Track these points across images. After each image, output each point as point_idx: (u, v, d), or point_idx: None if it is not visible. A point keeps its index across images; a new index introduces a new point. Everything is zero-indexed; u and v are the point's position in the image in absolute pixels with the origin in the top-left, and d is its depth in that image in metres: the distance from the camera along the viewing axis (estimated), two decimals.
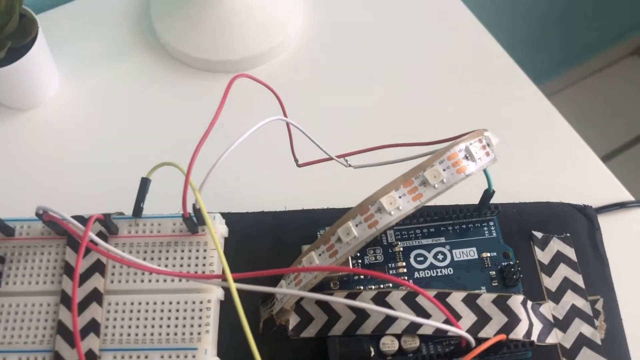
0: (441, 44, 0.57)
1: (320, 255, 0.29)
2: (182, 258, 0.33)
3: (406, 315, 0.29)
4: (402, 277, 0.34)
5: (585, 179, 0.50)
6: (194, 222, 0.32)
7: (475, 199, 0.36)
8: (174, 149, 0.46)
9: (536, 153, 0.51)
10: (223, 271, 0.27)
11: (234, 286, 0.26)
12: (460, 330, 0.29)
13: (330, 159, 0.35)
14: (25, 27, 0.48)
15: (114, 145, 0.50)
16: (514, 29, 1.22)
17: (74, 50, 0.56)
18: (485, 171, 0.32)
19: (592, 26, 1.39)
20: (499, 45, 0.58)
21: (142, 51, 0.55)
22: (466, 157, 0.29)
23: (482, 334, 0.31)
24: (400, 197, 0.28)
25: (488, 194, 0.34)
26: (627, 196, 0.50)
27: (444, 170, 0.28)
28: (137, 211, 0.33)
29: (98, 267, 0.32)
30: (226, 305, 0.33)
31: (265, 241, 0.36)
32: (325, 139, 0.35)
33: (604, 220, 0.47)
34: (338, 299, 0.29)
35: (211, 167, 0.30)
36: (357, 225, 0.28)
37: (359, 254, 0.35)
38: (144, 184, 0.32)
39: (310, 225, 0.35)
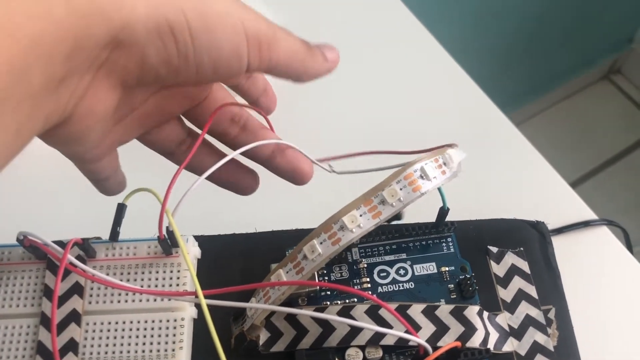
0: (411, 72, 0.60)
1: (287, 272, 0.32)
2: (157, 279, 0.35)
3: (368, 326, 0.32)
4: (366, 292, 0.37)
5: (551, 200, 0.54)
6: (168, 244, 0.35)
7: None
8: (148, 174, 0.48)
9: (502, 175, 0.55)
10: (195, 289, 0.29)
11: (204, 302, 0.29)
12: (418, 339, 0.32)
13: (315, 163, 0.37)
14: None
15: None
16: (483, 58, 1.26)
17: None
18: (440, 190, 0.35)
19: (561, 53, 1.43)
20: (466, 73, 0.62)
21: None
22: (421, 177, 0.31)
23: (440, 343, 0.34)
24: (361, 215, 0.31)
25: (443, 211, 0.37)
26: (591, 215, 0.54)
27: (400, 189, 0.31)
28: (114, 235, 0.35)
29: (76, 289, 0.35)
30: (199, 324, 0.36)
31: (237, 262, 0.38)
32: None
33: (569, 238, 0.51)
34: (305, 312, 0.32)
35: (185, 192, 0.32)
36: (321, 243, 0.31)
37: (325, 271, 0.38)
38: (120, 209, 0.35)
39: (279, 246, 0.38)
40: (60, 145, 0.28)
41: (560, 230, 0.52)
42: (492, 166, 0.55)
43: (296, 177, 0.35)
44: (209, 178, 0.33)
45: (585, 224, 0.53)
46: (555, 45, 1.37)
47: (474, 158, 0.53)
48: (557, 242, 0.48)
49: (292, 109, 0.56)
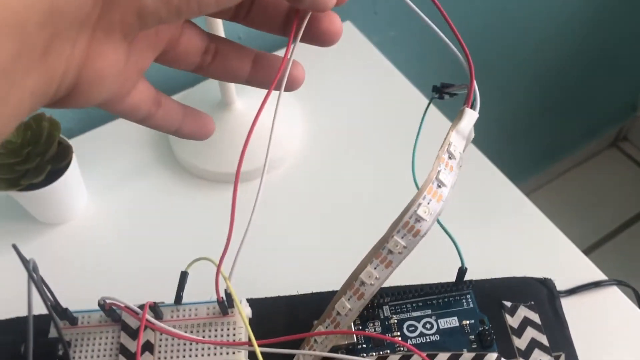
0: (420, 148, 0.67)
1: (326, 327, 0.38)
2: (216, 335, 0.42)
3: None
4: (397, 346, 0.43)
5: (562, 263, 0.57)
6: (225, 305, 0.41)
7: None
8: (196, 250, 0.55)
9: (515, 243, 0.59)
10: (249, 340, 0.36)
11: (258, 350, 0.35)
12: None
13: None
14: (62, 152, 0.58)
15: (139, 252, 0.59)
16: (491, 131, 1.31)
17: (101, 169, 0.65)
18: (459, 254, 0.42)
19: (568, 123, 1.49)
20: (476, 147, 0.68)
21: (162, 168, 0.65)
22: (417, 221, 0.34)
23: None
24: (375, 268, 0.35)
25: (462, 271, 0.43)
26: (602, 276, 0.57)
27: (402, 238, 0.34)
28: (178, 299, 0.42)
29: (148, 347, 0.41)
30: None
31: (282, 320, 0.45)
32: (324, 235, 0.44)
33: (581, 298, 0.55)
34: (348, 357, 0.38)
35: (235, 257, 0.39)
36: (349, 299, 0.36)
37: (361, 327, 0.44)
38: (183, 276, 0.42)
39: (319, 305, 0.44)
40: (81, 106, 0.26)
41: (572, 291, 0.55)
42: (505, 234, 0.60)
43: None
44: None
45: (596, 285, 0.56)
46: (562, 115, 1.44)
47: (487, 227, 0.59)
48: (570, 302, 0.53)
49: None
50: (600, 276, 0.58)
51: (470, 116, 0.35)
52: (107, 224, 0.62)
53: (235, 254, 0.39)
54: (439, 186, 0.33)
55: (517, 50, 1.16)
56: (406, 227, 0.33)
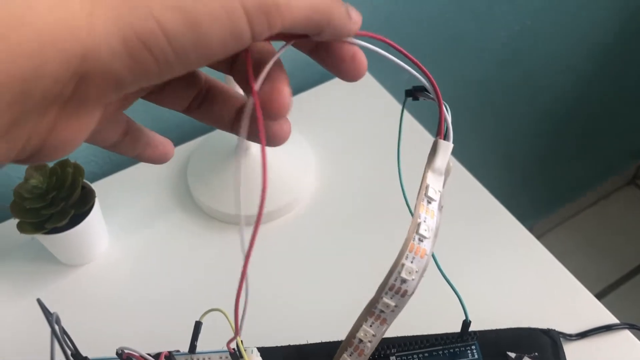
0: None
1: None
2: None
3: None
4: None
5: (573, 307, 0.59)
6: (237, 355, 0.43)
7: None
8: (212, 292, 0.57)
9: (525, 285, 0.60)
10: None
11: None
12: None
13: None
14: (85, 196, 0.60)
15: (157, 292, 0.61)
16: (504, 171, 1.33)
17: (122, 211, 0.68)
18: (463, 307, 0.43)
19: (585, 161, 1.50)
20: (485, 188, 0.69)
21: (180, 210, 0.68)
22: (403, 281, 0.34)
23: None
24: (370, 326, 0.36)
25: (466, 323, 0.45)
26: (614, 320, 0.58)
27: (391, 299, 0.34)
28: (192, 348, 0.44)
29: None
30: None
31: None
32: (333, 283, 0.46)
33: (593, 342, 0.56)
34: None
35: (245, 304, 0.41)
36: (350, 355, 0.38)
37: None
38: (197, 326, 0.44)
39: (328, 353, 0.46)
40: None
41: (584, 335, 0.56)
42: (514, 278, 0.61)
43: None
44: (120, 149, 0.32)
45: (608, 328, 0.57)
46: (578, 153, 1.45)
47: (496, 270, 0.61)
48: (582, 346, 0.55)
49: None
50: (612, 320, 0.58)
51: (445, 149, 0.34)
52: (127, 265, 0.64)
53: (246, 305, 0.41)
54: (421, 240, 0.33)
55: (532, 87, 1.19)
56: (393, 289, 0.34)
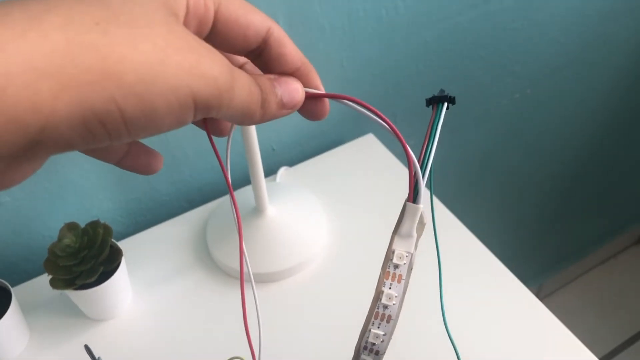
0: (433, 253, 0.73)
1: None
2: None
3: None
4: None
5: None
6: None
7: None
8: (232, 345, 0.61)
9: (525, 346, 0.63)
10: None
11: None
12: None
13: None
14: (112, 255, 0.66)
15: (179, 346, 0.66)
16: (511, 235, 1.36)
17: (146, 269, 0.73)
18: (456, 353, 0.47)
19: (592, 221, 1.52)
20: (489, 250, 0.73)
21: (200, 268, 0.73)
22: (372, 345, 0.36)
23: None
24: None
25: None
26: None
27: (367, 355, 0.36)
28: None
29: None
30: None
31: None
32: (346, 333, 0.50)
33: None
34: None
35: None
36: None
37: None
38: None
39: None
40: None
41: None
42: (516, 339, 0.64)
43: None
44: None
45: None
46: (586, 214, 1.48)
47: (498, 331, 0.64)
48: None
49: None
50: None
51: (413, 212, 0.34)
52: (150, 320, 0.69)
53: (263, 350, 0.46)
54: (385, 307, 0.34)
55: (538, 148, 1.23)
56: (367, 349, 0.35)
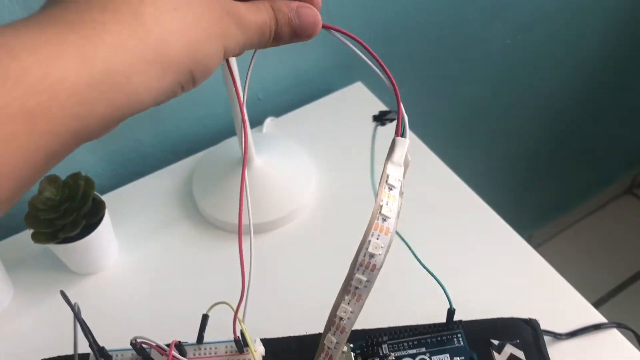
0: (429, 202, 0.73)
1: None
2: None
3: None
4: None
5: (563, 307, 0.62)
6: (241, 344, 0.48)
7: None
8: (217, 296, 0.61)
9: (519, 289, 0.63)
10: None
11: None
12: None
13: None
14: (95, 208, 0.65)
15: (165, 297, 0.66)
16: (503, 182, 1.36)
17: (131, 222, 0.73)
18: (446, 294, 0.48)
19: (582, 170, 1.53)
20: (482, 200, 0.73)
21: (187, 221, 0.73)
22: (371, 256, 0.38)
23: None
24: (348, 304, 0.39)
25: (450, 311, 0.49)
26: (602, 319, 0.61)
27: (362, 274, 0.38)
28: (200, 339, 0.48)
29: None
30: None
31: (293, 358, 0.51)
32: (331, 282, 0.50)
33: (582, 341, 0.59)
34: None
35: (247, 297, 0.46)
36: (334, 334, 0.42)
37: None
38: (204, 319, 0.48)
39: None
40: None
41: (573, 334, 0.59)
42: (506, 279, 0.65)
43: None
44: None
45: (596, 327, 0.60)
46: (575, 162, 1.48)
47: (488, 273, 0.64)
48: (571, 345, 0.59)
49: None
50: (601, 319, 0.62)
51: (402, 144, 0.39)
52: (136, 273, 0.68)
53: (250, 297, 0.46)
54: (384, 220, 0.37)
55: (528, 98, 1.22)
56: (363, 265, 0.38)
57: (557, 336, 0.58)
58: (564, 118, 1.34)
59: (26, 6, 0.61)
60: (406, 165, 0.39)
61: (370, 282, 0.38)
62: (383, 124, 0.47)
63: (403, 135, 0.39)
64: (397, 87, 0.38)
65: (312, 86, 0.87)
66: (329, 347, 0.42)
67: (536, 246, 0.69)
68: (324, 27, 0.37)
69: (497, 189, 1.32)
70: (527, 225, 1.52)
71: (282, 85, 0.85)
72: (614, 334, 0.61)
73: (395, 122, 0.39)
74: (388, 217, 0.37)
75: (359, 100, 0.85)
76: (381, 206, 0.37)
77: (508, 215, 0.71)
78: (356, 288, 0.39)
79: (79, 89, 0.25)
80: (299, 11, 0.35)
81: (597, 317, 0.62)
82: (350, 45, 0.38)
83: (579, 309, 0.62)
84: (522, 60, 1.12)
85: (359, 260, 0.38)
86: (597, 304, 0.64)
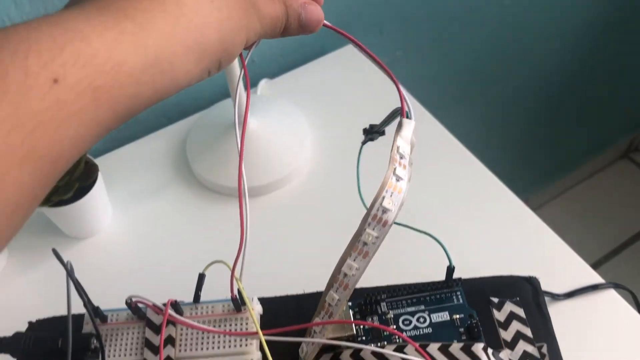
0: (427, 165, 0.72)
1: (322, 318, 0.43)
2: (229, 329, 0.48)
3: (409, 357, 0.43)
4: (393, 337, 0.49)
5: (561, 268, 0.62)
6: (238, 302, 0.47)
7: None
8: (211, 257, 0.61)
9: (519, 251, 0.64)
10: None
11: (263, 338, 0.41)
12: None
13: None
14: (88, 171, 0.64)
15: (160, 260, 0.65)
16: (501, 146, 1.36)
17: (125, 185, 0.72)
18: (446, 252, 0.47)
19: (579, 134, 1.52)
20: (482, 164, 0.72)
21: (181, 183, 0.72)
22: (384, 211, 0.39)
23: None
24: (354, 260, 0.40)
25: (450, 269, 0.49)
26: (599, 280, 0.62)
27: (373, 229, 0.39)
28: (197, 298, 0.48)
29: (170, 341, 0.47)
30: None
31: (290, 316, 0.50)
32: (327, 243, 0.50)
33: (580, 301, 0.60)
34: (361, 346, 0.44)
35: (243, 258, 0.45)
36: (336, 291, 0.42)
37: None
38: (201, 278, 0.48)
39: None
40: None
41: (571, 294, 0.60)
42: (504, 241, 0.65)
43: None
44: None
45: (594, 288, 0.60)
46: (571, 127, 1.48)
47: (487, 234, 0.64)
48: (569, 305, 0.59)
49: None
50: (599, 280, 0.62)
51: (409, 125, 0.40)
52: (131, 236, 0.68)
53: (247, 257, 0.45)
54: (398, 180, 0.38)
55: (524, 61, 1.21)
56: (375, 219, 0.38)
57: (555, 296, 0.58)
58: (560, 82, 1.33)
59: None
60: (413, 145, 0.41)
61: (379, 239, 0.39)
62: (373, 138, 0.48)
63: (409, 117, 0.41)
64: (398, 84, 0.41)
65: (306, 48, 0.86)
66: (330, 304, 0.42)
67: (532, 210, 0.69)
68: (324, 25, 0.41)
69: (493, 154, 1.32)
70: (523, 190, 1.52)
71: (277, 48, 0.83)
72: (612, 295, 0.61)
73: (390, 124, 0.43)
74: (401, 178, 0.38)
75: (352, 62, 0.84)
76: (395, 167, 0.38)
77: (503, 179, 0.71)
78: (364, 244, 0.39)
79: (135, 72, 0.28)
80: (307, 8, 0.38)
81: (595, 278, 0.62)
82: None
83: (576, 270, 0.62)
84: (519, 21, 1.10)
85: (372, 214, 0.39)
86: (593, 267, 0.64)
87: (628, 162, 1.70)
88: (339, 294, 0.41)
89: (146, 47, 0.28)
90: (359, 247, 0.39)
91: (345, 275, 0.40)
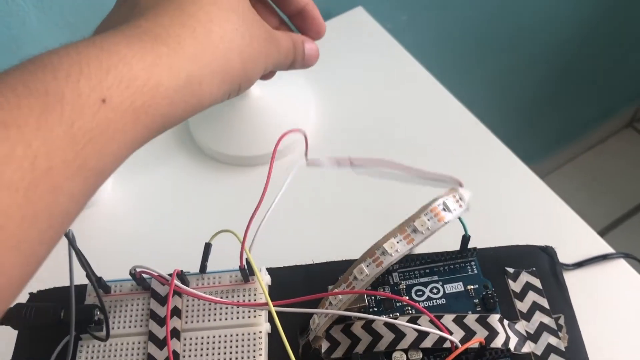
0: (435, 134, 0.71)
1: (342, 289, 0.43)
2: (237, 300, 0.46)
3: (423, 328, 0.42)
4: (406, 308, 0.47)
5: (570, 238, 0.61)
6: (246, 272, 0.46)
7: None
8: (216, 226, 0.59)
9: (528, 220, 0.63)
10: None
11: (273, 309, 0.40)
12: (452, 337, 0.42)
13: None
14: None
15: (163, 230, 0.64)
16: (507, 114, 1.34)
17: None
18: (461, 220, 0.46)
19: (584, 103, 1.51)
20: (490, 131, 0.72)
21: (182, 152, 0.70)
22: (444, 209, 0.42)
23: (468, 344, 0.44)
24: (398, 242, 0.41)
25: (465, 238, 0.47)
26: (609, 249, 0.61)
27: (428, 220, 0.41)
28: (203, 268, 0.46)
29: (176, 312, 0.46)
30: (273, 338, 0.46)
31: (299, 286, 0.49)
32: (336, 213, 0.48)
33: (589, 271, 0.59)
34: (373, 317, 0.42)
35: (256, 230, 0.44)
36: (367, 266, 0.41)
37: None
38: (207, 247, 0.46)
39: (333, 274, 0.49)
40: None
41: (580, 264, 0.59)
42: (514, 211, 0.64)
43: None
44: None
45: (604, 258, 0.59)
46: (577, 96, 1.47)
47: (497, 204, 0.63)
48: (578, 275, 0.57)
49: None
50: (609, 250, 0.61)
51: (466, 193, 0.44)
52: (132, 206, 0.66)
53: (256, 227, 0.44)
54: (458, 201, 0.43)
55: (532, 27, 1.19)
56: (434, 211, 0.41)
57: (565, 267, 0.56)
58: (565, 50, 1.32)
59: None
60: (464, 209, 0.43)
61: (429, 231, 0.41)
62: None
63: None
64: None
65: None
66: (355, 277, 0.42)
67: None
68: None
69: (497, 122, 1.30)
70: (526, 158, 1.50)
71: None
72: (622, 264, 0.60)
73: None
74: (460, 207, 0.43)
75: (359, 26, 0.82)
76: (462, 194, 0.44)
77: (509, 147, 0.70)
78: (414, 231, 0.41)
79: (169, 93, 0.30)
80: (307, 45, 0.43)
81: (605, 248, 0.61)
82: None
83: (585, 240, 0.62)
84: None
85: (432, 205, 0.41)
86: (599, 235, 0.63)
87: (632, 131, 1.69)
88: (369, 270, 0.41)
89: (179, 70, 0.31)
90: (408, 231, 0.41)
91: (384, 252, 0.41)
